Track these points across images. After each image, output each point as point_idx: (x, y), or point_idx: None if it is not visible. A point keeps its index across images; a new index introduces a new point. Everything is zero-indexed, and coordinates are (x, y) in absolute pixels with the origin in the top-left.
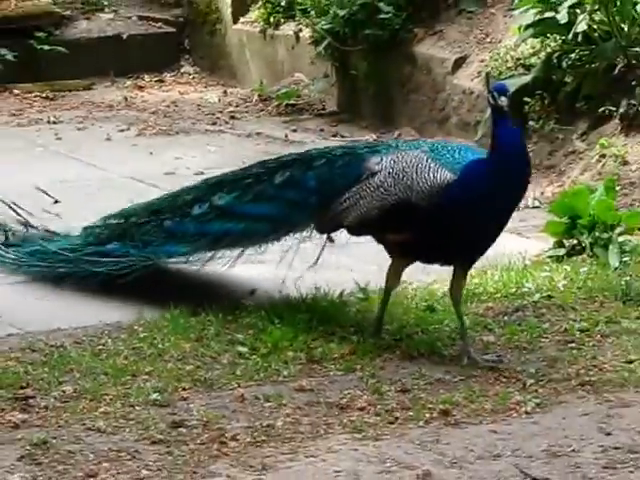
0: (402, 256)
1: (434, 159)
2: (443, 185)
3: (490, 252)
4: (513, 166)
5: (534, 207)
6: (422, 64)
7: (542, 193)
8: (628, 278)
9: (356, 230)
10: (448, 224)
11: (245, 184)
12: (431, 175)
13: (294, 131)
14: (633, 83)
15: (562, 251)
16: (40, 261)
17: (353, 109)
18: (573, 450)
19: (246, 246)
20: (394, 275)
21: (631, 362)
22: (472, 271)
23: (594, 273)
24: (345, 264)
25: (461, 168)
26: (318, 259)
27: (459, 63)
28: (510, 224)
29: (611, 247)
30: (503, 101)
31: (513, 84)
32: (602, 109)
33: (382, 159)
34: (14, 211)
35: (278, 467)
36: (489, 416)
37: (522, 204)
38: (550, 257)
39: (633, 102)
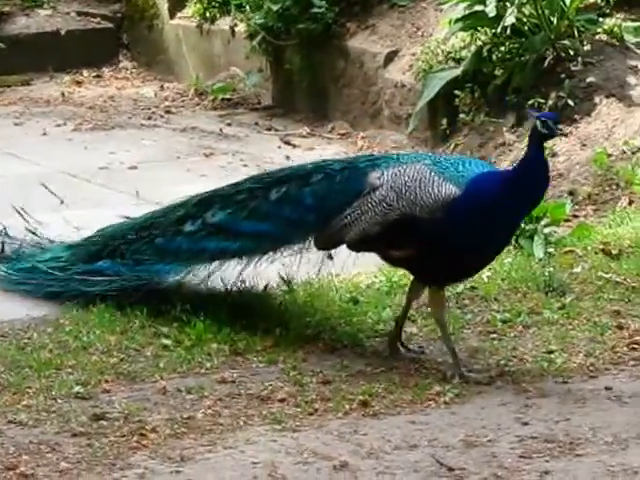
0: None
1: (437, 172)
2: (449, 199)
3: None
4: (534, 182)
5: None
6: (355, 58)
7: None
8: (551, 269)
9: (357, 246)
10: (451, 240)
11: (238, 200)
12: (435, 189)
13: (229, 125)
14: (562, 76)
15: None
16: (30, 279)
17: (287, 103)
18: (490, 440)
19: (242, 261)
20: (436, 304)
21: (551, 352)
22: None
23: (518, 264)
24: None
25: (467, 182)
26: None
27: (391, 57)
28: None
29: (536, 238)
30: (561, 129)
31: (443, 77)
32: (531, 101)
33: (383, 173)
34: (23, 218)
35: (197, 459)
36: (408, 407)
37: None
38: None
39: (562, 94)
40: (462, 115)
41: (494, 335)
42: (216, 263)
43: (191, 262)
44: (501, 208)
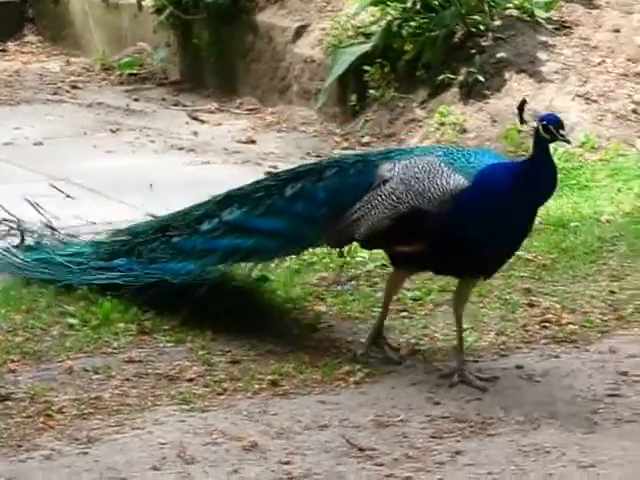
0: (407, 267)
1: (447, 163)
2: (456, 191)
3: None
4: (544, 173)
5: None
6: (263, 33)
7: None
8: None
9: (367, 243)
10: (461, 233)
11: (256, 198)
12: (443, 180)
13: (136, 100)
14: (472, 51)
15: None
16: (44, 269)
17: (195, 78)
18: (401, 420)
19: (255, 262)
20: (395, 286)
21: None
22: None
23: None
24: None
25: (476, 173)
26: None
27: (300, 31)
28: None
29: None
30: (564, 135)
31: (353, 52)
32: (441, 77)
33: (395, 165)
34: (38, 212)
35: (104, 439)
36: (318, 386)
37: None
38: None
39: (472, 70)
40: (372, 91)
41: (404, 313)
42: (229, 262)
43: (203, 260)
44: (509, 200)
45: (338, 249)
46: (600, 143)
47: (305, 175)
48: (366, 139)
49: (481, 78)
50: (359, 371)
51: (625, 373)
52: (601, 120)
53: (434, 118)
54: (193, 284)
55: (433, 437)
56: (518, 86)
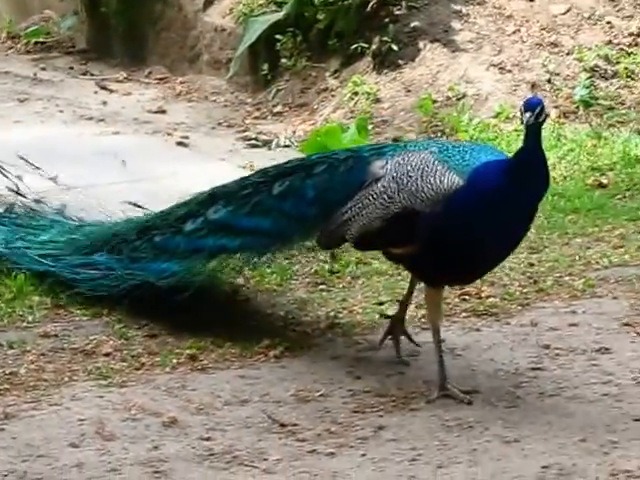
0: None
1: (442, 161)
2: (450, 191)
3: None
4: (534, 170)
5: (285, 146)
6: (173, 1)
7: (294, 132)
8: None
9: (361, 244)
10: (455, 235)
11: (242, 195)
12: (437, 180)
13: (43, 70)
14: (386, 20)
15: None
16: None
17: (103, 47)
18: (322, 395)
19: (242, 262)
20: (434, 308)
21: (381, 304)
22: None
23: None
24: None
25: (470, 171)
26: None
27: (210, 0)
28: (262, 163)
29: None
30: (527, 117)
31: (265, 21)
32: (354, 46)
33: (387, 162)
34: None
35: (21, 416)
36: (237, 361)
37: (274, 143)
38: None
39: (385, 39)
40: (284, 60)
41: (323, 286)
42: (214, 262)
43: (188, 261)
44: (502, 200)
45: (329, 251)
46: (515, 113)
47: (294, 171)
48: (278, 109)
49: (395, 47)
50: (279, 345)
51: (547, 346)
52: (515, 90)
53: (347, 88)
54: (177, 287)
55: (355, 412)
56: (432, 55)
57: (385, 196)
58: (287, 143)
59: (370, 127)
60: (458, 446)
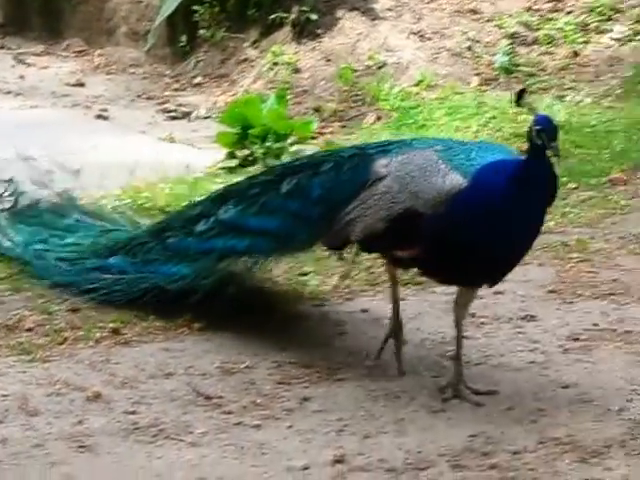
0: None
1: (445, 160)
2: (453, 191)
3: (160, 164)
4: (540, 176)
5: (206, 117)
6: None
7: (214, 103)
8: None
9: (366, 245)
10: (458, 237)
11: (251, 195)
12: (440, 180)
13: None
14: None
15: (235, 162)
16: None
17: (20, 21)
18: (247, 367)
19: (250, 263)
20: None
21: (305, 275)
22: (142, 184)
23: None
24: None
25: (474, 171)
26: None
27: None
28: (182, 134)
29: (284, 157)
30: (554, 147)
31: None
32: (273, 16)
33: (391, 160)
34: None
35: None
36: (161, 334)
37: (194, 114)
38: (223, 168)
39: (304, 9)
40: (202, 31)
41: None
42: (224, 263)
43: (198, 263)
44: (506, 203)
45: (337, 252)
46: (436, 81)
47: (301, 169)
48: (197, 80)
49: (313, 17)
50: (202, 318)
51: (473, 315)
52: (436, 58)
53: (267, 58)
54: (187, 290)
55: (280, 383)
56: (351, 24)
57: (388, 196)
58: (207, 114)
59: (290, 97)
60: (384, 416)
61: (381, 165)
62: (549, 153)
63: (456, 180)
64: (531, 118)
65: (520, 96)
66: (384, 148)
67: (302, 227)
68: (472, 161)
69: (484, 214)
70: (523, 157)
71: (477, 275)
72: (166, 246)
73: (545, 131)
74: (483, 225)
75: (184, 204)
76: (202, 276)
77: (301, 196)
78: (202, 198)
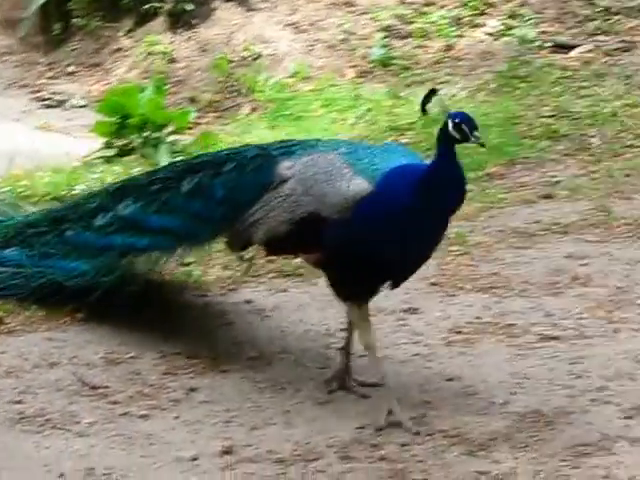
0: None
1: (350, 164)
2: (357, 197)
3: (37, 153)
4: (449, 176)
5: (81, 106)
6: None
7: (88, 92)
8: None
9: (268, 247)
10: (362, 243)
11: (152, 191)
12: (344, 184)
13: None
14: None
15: (112, 151)
16: None
17: None
18: (132, 357)
19: (152, 260)
20: (363, 327)
21: (188, 265)
22: (21, 172)
23: None
24: None
25: (380, 176)
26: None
27: None
28: (57, 123)
29: (161, 147)
30: (478, 136)
31: None
32: (148, 6)
33: (295, 163)
34: None
35: None
36: (44, 323)
37: (68, 103)
38: (100, 158)
39: None
40: (76, 19)
41: None
42: (124, 261)
43: (97, 260)
44: (413, 209)
45: (237, 253)
46: (312, 73)
47: (203, 168)
48: (72, 68)
49: (189, 7)
50: (85, 308)
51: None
52: (311, 50)
53: (141, 47)
54: (87, 287)
55: (166, 374)
56: (226, 15)
57: (292, 199)
58: (82, 103)
59: (166, 87)
60: (271, 407)
61: (285, 167)
62: (474, 142)
63: (361, 185)
64: (410, 113)
65: (428, 98)
66: (287, 149)
67: (204, 227)
68: (375, 165)
69: (389, 220)
70: (429, 162)
71: (381, 279)
72: (64, 239)
73: (464, 122)
74: (389, 231)
75: (81, 194)
76: (102, 273)
77: (203, 196)
78: (99, 190)
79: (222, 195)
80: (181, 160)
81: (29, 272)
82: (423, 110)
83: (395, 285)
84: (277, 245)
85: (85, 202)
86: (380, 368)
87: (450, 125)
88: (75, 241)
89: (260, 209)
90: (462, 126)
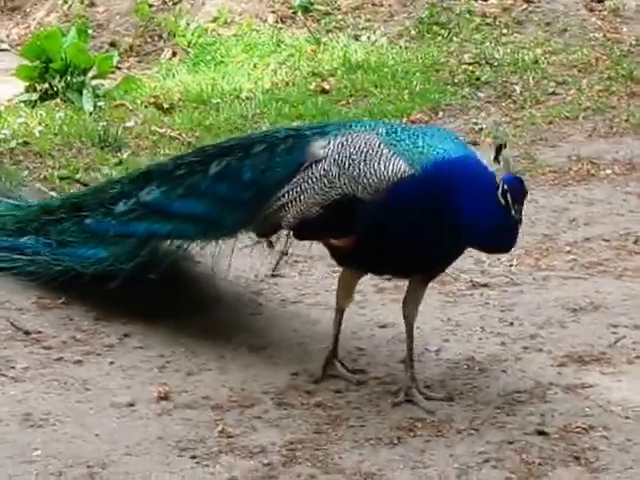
0: (352, 266)
1: (389, 145)
2: (395, 178)
3: None
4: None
5: (3, 50)
6: None
7: (8, 35)
8: (104, 123)
9: (299, 232)
10: (396, 228)
11: (177, 176)
12: (382, 165)
13: None
14: None
15: (35, 96)
16: None
17: None
18: (64, 302)
19: (174, 247)
20: (344, 290)
21: None
22: None
23: (70, 118)
24: None
25: (426, 160)
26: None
27: None
28: None
29: (84, 91)
30: (517, 212)
31: None
32: None
33: (329, 142)
34: None
35: None
36: None
37: None
38: (23, 102)
39: None
40: None
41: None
42: (145, 251)
43: (116, 247)
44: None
45: (266, 239)
46: (233, 18)
47: (232, 151)
48: None
49: None
50: None
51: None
52: None
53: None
54: (105, 274)
55: (99, 319)
56: None
57: (325, 180)
58: (3, 47)
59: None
60: (205, 354)
61: (319, 147)
62: (512, 212)
63: (400, 167)
64: (331, 59)
65: (498, 151)
66: (321, 130)
67: (231, 212)
68: (419, 148)
69: (433, 210)
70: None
71: (410, 271)
72: (83, 227)
73: (511, 192)
74: (427, 221)
75: (100, 182)
76: (121, 260)
77: (231, 179)
78: (121, 176)
79: (250, 177)
80: (208, 145)
81: (46, 259)
82: (496, 160)
83: (429, 278)
84: (306, 229)
85: (106, 188)
86: (336, 330)
87: (500, 190)
88: (95, 229)
89: (291, 191)
90: (507, 196)
